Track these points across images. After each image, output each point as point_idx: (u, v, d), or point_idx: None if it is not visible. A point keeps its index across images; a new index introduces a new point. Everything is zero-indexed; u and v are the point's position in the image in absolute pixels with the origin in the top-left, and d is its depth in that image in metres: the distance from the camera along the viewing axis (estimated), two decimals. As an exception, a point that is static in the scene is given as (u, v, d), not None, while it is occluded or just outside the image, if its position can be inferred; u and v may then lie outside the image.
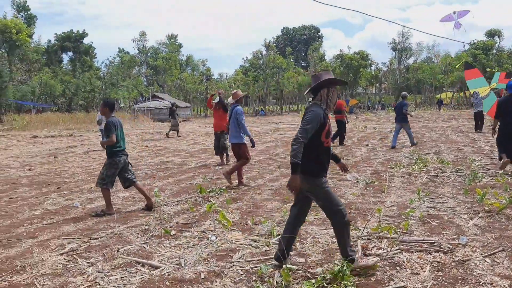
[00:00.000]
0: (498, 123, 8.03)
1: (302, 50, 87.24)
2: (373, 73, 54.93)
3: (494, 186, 6.85)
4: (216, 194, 7.05)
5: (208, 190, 7.16)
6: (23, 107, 42.22)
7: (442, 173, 8.29)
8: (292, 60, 72.60)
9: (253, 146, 8.05)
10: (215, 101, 11.24)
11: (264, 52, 58.01)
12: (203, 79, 62.94)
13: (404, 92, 14.18)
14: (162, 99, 44.63)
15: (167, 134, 20.54)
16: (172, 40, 70.16)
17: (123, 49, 66.65)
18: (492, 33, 53.89)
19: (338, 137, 13.97)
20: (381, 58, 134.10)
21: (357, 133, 18.93)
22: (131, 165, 6.41)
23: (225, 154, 10.94)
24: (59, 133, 25.53)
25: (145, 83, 60.79)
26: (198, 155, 13.22)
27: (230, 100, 8.18)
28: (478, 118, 16.79)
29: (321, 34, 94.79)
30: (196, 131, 24.86)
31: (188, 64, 68.98)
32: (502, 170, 7.82)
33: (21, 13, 56.43)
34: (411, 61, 53.37)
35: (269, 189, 7.45)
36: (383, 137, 16.53)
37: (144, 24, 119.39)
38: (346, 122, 14.15)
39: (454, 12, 11.65)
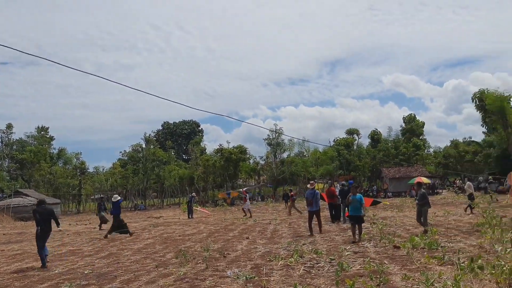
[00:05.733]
0: None
1: (183, 143, 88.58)
2: (251, 166, 57.62)
3: (362, 274, 7.28)
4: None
5: (73, 301, 6.32)
6: None
7: (317, 263, 8.60)
8: (173, 154, 72.82)
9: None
10: None
11: (143, 146, 57.30)
12: (76, 173, 59.01)
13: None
14: (27, 195, 40.09)
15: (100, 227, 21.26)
16: (42, 132, 65.73)
17: (-16, 142, 60.11)
18: (352, 132, 61.68)
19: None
20: (258, 152, 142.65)
21: (238, 226, 19.05)
22: None
23: None
24: None
25: (8, 177, 54.70)
26: (64, 258, 11.84)
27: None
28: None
29: (201, 128, 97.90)
30: (65, 229, 22.47)
31: (60, 157, 64.56)
32: None
33: None
34: (285, 155, 57.43)
35: (144, 294, 6.87)
36: (262, 229, 16.86)
37: (11, 115, 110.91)
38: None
39: None
